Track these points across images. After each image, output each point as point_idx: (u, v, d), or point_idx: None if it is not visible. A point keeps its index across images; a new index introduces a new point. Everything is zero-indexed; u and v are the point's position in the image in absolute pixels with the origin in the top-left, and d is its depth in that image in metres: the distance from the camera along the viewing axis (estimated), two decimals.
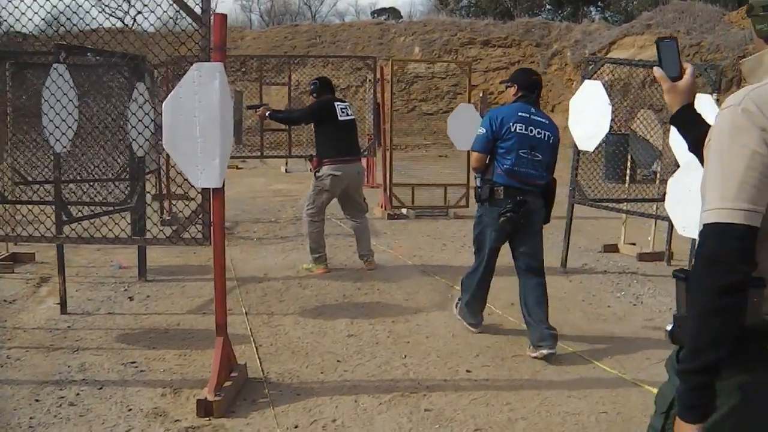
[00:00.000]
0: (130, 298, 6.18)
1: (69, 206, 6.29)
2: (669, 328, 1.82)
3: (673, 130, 5.86)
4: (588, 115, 6.97)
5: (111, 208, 6.31)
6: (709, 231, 1.64)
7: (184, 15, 4.07)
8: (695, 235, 6.07)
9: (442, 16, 28.77)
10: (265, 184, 14.55)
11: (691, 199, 6.17)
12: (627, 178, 8.25)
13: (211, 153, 4.00)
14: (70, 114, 5.07)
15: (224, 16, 4.02)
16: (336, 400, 4.17)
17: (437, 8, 35.40)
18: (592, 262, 7.87)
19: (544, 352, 4.83)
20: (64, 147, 5.12)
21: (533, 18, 26.98)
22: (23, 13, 5.05)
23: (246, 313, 5.80)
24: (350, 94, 25.75)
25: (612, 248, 8.41)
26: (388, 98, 10.85)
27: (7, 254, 7.05)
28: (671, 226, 7.86)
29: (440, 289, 6.59)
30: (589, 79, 7.04)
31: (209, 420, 3.87)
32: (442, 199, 10.95)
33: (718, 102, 6.35)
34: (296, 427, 3.84)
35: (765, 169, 1.62)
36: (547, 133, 5.04)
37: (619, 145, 9.57)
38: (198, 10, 4.05)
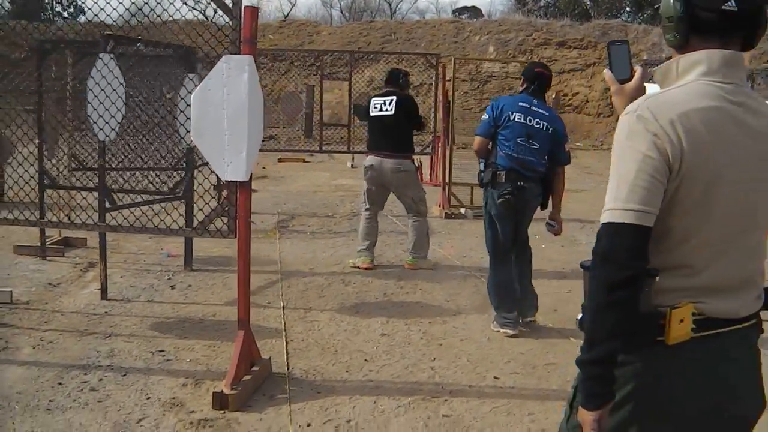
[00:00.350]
0: (171, 286, 6.24)
1: (120, 194, 6.43)
2: (579, 317, 1.84)
3: None
4: None
5: (159, 197, 6.40)
6: (604, 230, 1.73)
7: (215, 7, 4.03)
8: None
9: (519, 16, 28.36)
10: (329, 178, 14.57)
11: None
12: None
13: (238, 146, 3.96)
14: (113, 104, 5.13)
15: (255, 9, 3.99)
16: (355, 400, 4.09)
17: (517, 8, 35.02)
18: None
19: (529, 318, 5.47)
20: (108, 135, 5.19)
21: (610, 20, 26.30)
22: (108, 2, 5.13)
23: (283, 307, 5.78)
24: (423, 92, 25.62)
25: None
26: (450, 96, 10.68)
27: (59, 238, 7.21)
28: None
29: (483, 292, 6.38)
30: (648, 82, 6.74)
31: (224, 413, 3.85)
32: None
33: None
34: (309, 425, 3.78)
35: (655, 173, 1.69)
36: (545, 123, 5.23)
37: None
38: (229, 2, 4.02)
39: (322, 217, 10.06)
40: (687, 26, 1.80)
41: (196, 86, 5.63)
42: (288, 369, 4.52)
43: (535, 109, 5.24)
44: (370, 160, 7.17)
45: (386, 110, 7.12)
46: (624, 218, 1.69)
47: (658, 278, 1.77)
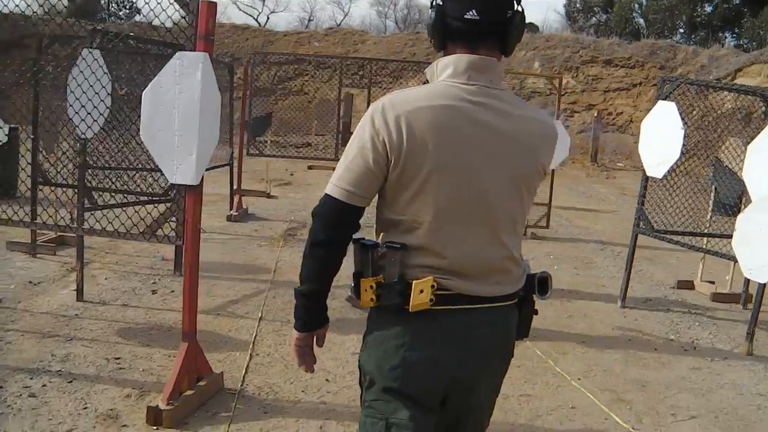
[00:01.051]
0: (153, 291, 6.05)
1: (115, 194, 6.27)
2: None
3: (750, 161, 5.07)
4: (659, 139, 6.31)
5: (146, 199, 6.23)
6: (323, 198, 1.96)
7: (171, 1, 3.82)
8: (764, 279, 5.33)
9: (566, 33, 27.81)
10: None
11: (763, 240, 5.46)
12: (710, 211, 7.45)
13: (188, 148, 3.75)
14: (102, 101, 4.95)
15: (213, 4, 3.76)
16: (301, 423, 3.84)
17: (568, 25, 34.43)
18: (659, 297, 7.15)
19: None
20: (84, 133, 5.02)
21: (659, 40, 25.58)
22: (158, 4, 4.95)
23: (260, 319, 5.54)
24: None
25: (687, 285, 7.64)
26: None
27: (54, 236, 7.10)
28: None
29: None
30: (664, 99, 6.38)
31: (156, 429, 3.62)
32: (530, 219, 10.33)
33: None
34: None
35: (368, 162, 1.89)
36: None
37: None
38: None
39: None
40: (441, 33, 1.96)
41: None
42: (242, 385, 4.28)
43: None
44: None
45: None
46: (333, 193, 1.93)
47: (405, 254, 1.92)
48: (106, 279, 6.27)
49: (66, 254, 6.94)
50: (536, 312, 2.16)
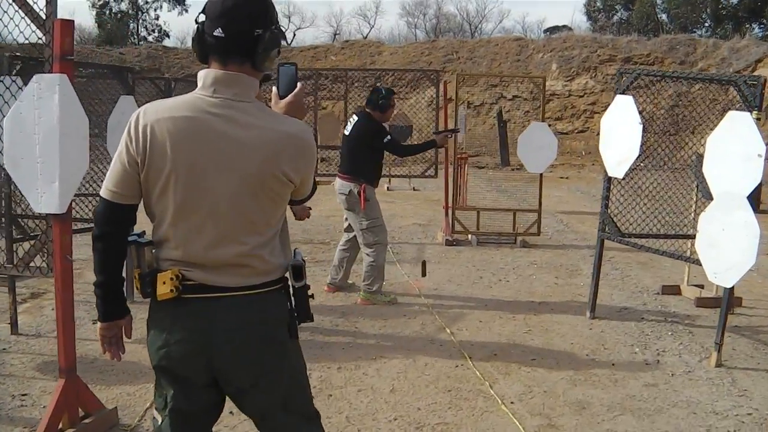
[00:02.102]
0: (93, 321, 5.84)
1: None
2: None
3: (710, 154, 4.62)
4: (619, 137, 5.92)
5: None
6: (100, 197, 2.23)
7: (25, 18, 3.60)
8: (730, 283, 4.89)
9: (583, 33, 27.22)
10: None
11: (726, 239, 5.05)
12: (692, 211, 6.99)
13: (50, 175, 3.52)
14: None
15: (70, 22, 3.54)
16: None
17: (593, 26, 33.78)
18: (638, 305, 6.72)
19: None
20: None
21: (678, 34, 24.82)
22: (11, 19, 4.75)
23: None
24: (483, 112, 24.94)
25: (672, 290, 7.20)
26: (453, 115, 10.04)
27: None
28: None
29: (428, 331, 5.80)
30: (622, 93, 5.99)
31: None
32: (521, 226, 9.95)
33: (759, 121, 5.14)
34: None
35: (125, 164, 2.15)
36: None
37: None
38: (42, 15, 3.58)
39: (317, 243, 9.56)
40: (200, 47, 2.19)
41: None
42: (139, 420, 4.03)
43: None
44: (335, 182, 6.74)
45: (347, 130, 6.64)
46: (102, 194, 2.20)
47: (156, 248, 2.21)
48: (52, 309, 6.09)
49: (23, 284, 6.79)
50: (312, 296, 2.37)
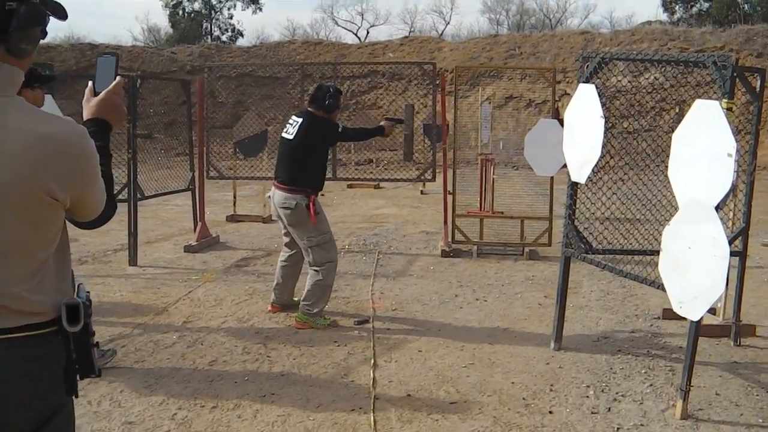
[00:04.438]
0: None
1: None
2: None
3: (675, 154, 4.20)
4: (581, 133, 5.00)
5: None
6: None
7: None
8: (697, 314, 3.87)
9: (655, 25, 25.62)
10: (373, 207, 13.27)
11: (692, 259, 4.09)
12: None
13: None
14: None
15: None
16: None
17: (668, 17, 31.92)
18: (624, 333, 5.74)
19: None
20: None
21: (756, 25, 22.94)
22: None
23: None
24: (545, 110, 23.78)
25: (675, 314, 6.09)
26: (451, 109, 9.15)
27: None
28: (741, 287, 5.56)
29: (342, 367, 5.00)
30: (585, 82, 5.06)
31: None
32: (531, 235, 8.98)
33: (730, 112, 4.14)
34: None
35: None
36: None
37: None
38: None
39: (261, 254, 8.85)
40: None
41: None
42: None
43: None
44: (272, 190, 5.98)
45: (289, 133, 5.90)
46: None
47: None
48: None
49: None
50: (96, 345, 1.97)
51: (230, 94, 22.67)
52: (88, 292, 1.97)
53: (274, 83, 21.74)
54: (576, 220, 5.32)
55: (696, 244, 4.07)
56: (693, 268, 4.09)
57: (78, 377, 1.93)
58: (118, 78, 2.08)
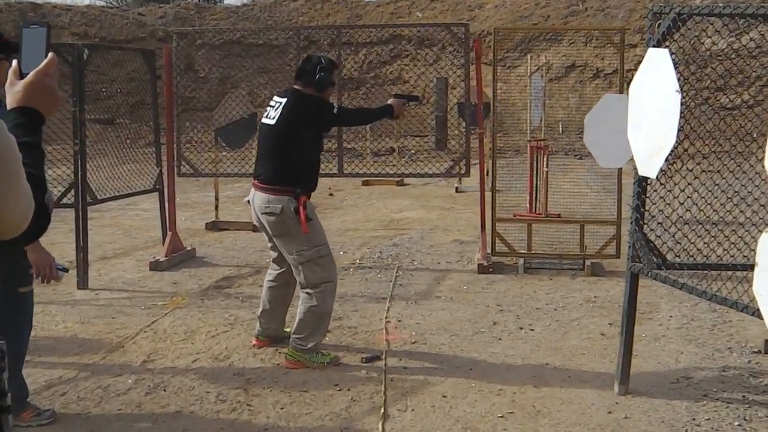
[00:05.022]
0: None
1: None
2: None
3: None
4: (651, 114, 4.92)
5: None
6: None
7: None
8: None
9: None
10: (394, 210, 13.25)
11: None
12: None
13: None
14: None
15: None
16: None
17: None
18: (713, 372, 5.66)
19: None
20: None
21: None
22: None
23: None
24: (616, 83, 23.64)
25: None
26: (490, 84, 9.10)
27: None
28: None
29: (340, 421, 4.98)
30: (656, 46, 4.98)
31: None
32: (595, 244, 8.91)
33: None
34: None
35: None
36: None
37: None
38: None
39: (247, 272, 8.86)
40: None
41: None
42: None
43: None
44: (251, 193, 6.02)
45: (271, 118, 5.89)
46: None
47: None
48: None
49: None
50: (7, 409, 1.95)
51: (214, 67, 22.82)
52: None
53: (270, 53, 21.80)
54: (647, 226, 5.25)
55: None
56: None
57: None
58: (50, 55, 2.06)
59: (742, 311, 4.60)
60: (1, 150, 1.79)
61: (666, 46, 4.98)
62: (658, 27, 5.05)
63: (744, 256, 5.25)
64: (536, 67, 12.84)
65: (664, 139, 4.78)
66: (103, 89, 9.79)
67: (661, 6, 5.17)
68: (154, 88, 9.17)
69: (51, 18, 25.48)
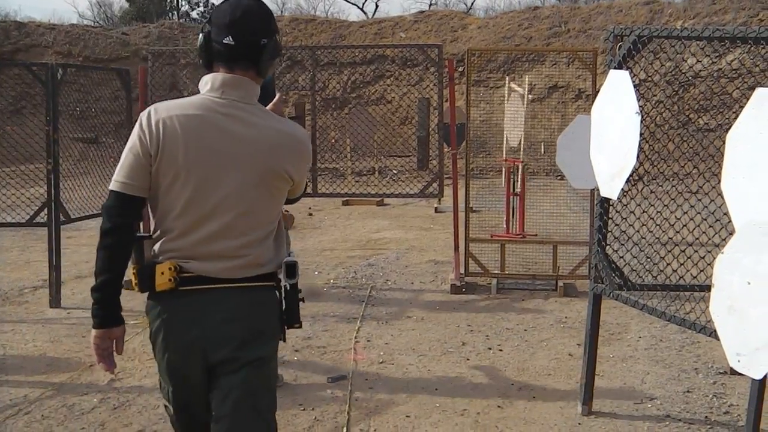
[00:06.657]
0: None
1: None
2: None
3: (730, 159, 4.20)
4: (612, 135, 4.96)
5: None
6: (109, 194, 2.89)
7: None
8: (760, 372, 3.85)
9: None
10: (372, 230, 13.25)
11: (755, 299, 4.03)
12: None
13: None
14: None
15: None
16: None
17: None
18: (677, 393, 5.68)
19: None
20: None
21: None
22: None
23: None
24: (590, 104, 23.77)
25: None
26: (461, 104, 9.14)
27: None
28: None
29: None
30: (617, 68, 5.03)
31: None
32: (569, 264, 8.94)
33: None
34: None
35: (138, 156, 2.83)
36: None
37: None
38: None
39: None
40: (207, 54, 2.94)
41: None
42: None
43: None
44: None
45: None
46: (113, 187, 2.87)
47: (156, 241, 2.88)
48: None
49: None
50: (302, 300, 3.03)
51: (198, 86, 22.80)
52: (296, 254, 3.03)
53: None
54: (610, 247, 5.28)
55: (758, 279, 4.00)
56: (755, 311, 4.02)
57: (285, 326, 2.99)
58: (278, 94, 3.30)
59: (699, 332, 4.65)
60: (310, 147, 3.29)
61: (628, 68, 5.01)
62: (618, 48, 5.08)
63: (707, 277, 5.28)
64: (514, 88, 12.87)
65: (625, 161, 4.82)
66: (90, 108, 9.74)
67: (621, 28, 5.20)
68: (129, 107, 9.19)
69: (35, 37, 25.51)
